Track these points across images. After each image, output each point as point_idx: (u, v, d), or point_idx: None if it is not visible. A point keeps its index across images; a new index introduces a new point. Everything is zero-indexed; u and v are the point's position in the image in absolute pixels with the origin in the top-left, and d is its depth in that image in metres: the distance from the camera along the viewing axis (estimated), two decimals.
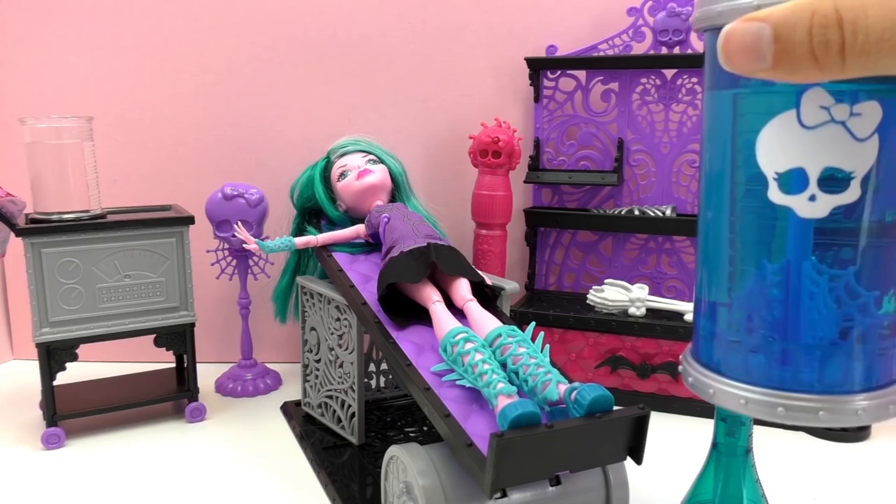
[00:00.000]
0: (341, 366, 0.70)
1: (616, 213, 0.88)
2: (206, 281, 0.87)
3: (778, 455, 0.70)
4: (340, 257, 0.72)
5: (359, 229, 0.73)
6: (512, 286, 0.66)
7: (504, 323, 0.57)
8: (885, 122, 0.31)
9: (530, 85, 0.92)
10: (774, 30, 0.27)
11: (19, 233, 0.68)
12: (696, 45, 0.85)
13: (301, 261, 0.79)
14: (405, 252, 0.62)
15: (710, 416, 0.45)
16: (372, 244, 0.74)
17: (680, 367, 0.41)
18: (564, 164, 0.93)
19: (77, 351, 0.72)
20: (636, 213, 0.87)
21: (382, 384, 0.82)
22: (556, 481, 0.50)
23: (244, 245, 0.74)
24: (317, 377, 0.75)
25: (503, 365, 0.51)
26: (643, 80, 0.88)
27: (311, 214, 0.79)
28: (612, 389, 0.62)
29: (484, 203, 0.88)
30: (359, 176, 0.74)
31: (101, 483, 0.65)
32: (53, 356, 0.71)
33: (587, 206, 0.93)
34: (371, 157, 0.76)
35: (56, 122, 0.71)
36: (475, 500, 0.48)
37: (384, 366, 0.82)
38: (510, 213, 0.90)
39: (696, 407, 0.79)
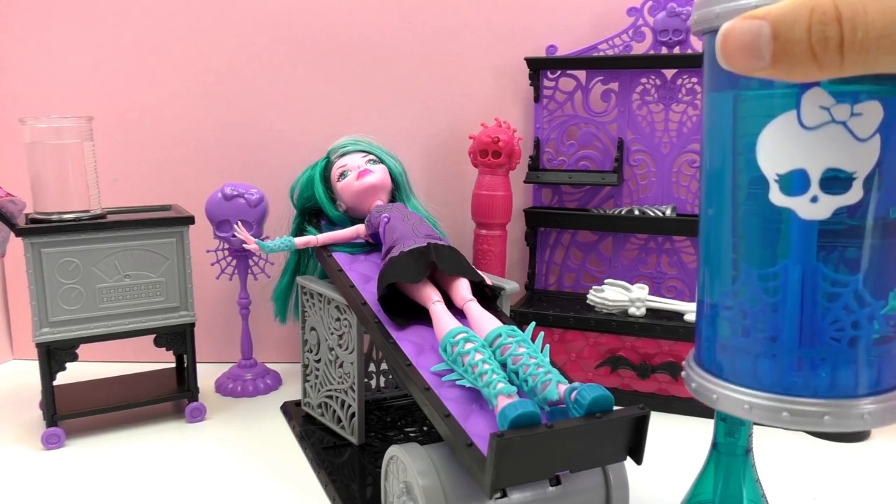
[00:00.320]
0: (341, 366, 0.70)
1: (616, 213, 0.88)
2: (206, 281, 0.87)
3: (778, 455, 0.70)
4: (340, 257, 0.72)
5: (359, 229, 0.73)
6: (512, 286, 0.66)
7: (504, 323, 0.57)
8: (887, 121, 0.30)
9: (530, 85, 0.92)
10: (773, 27, 0.27)
11: (19, 233, 0.68)
12: (696, 45, 0.85)
13: (301, 261, 0.79)
14: (405, 252, 0.62)
15: (710, 416, 0.45)
16: (372, 244, 0.74)
17: (683, 373, 0.40)
18: (564, 164, 0.93)
19: (77, 351, 0.72)
20: (636, 213, 0.87)
21: (382, 384, 0.82)
22: (556, 481, 0.50)
23: (244, 245, 0.74)
24: (317, 377, 0.75)
25: (503, 365, 0.51)
26: (643, 80, 0.88)
27: (311, 214, 0.79)
28: (612, 389, 0.62)
29: (484, 203, 0.88)
30: (359, 176, 0.74)
31: (101, 483, 0.65)
32: (53, 356, 0.71)
33: (587, 206, 0.93)
34: (371, 157, 0.76)
35: (56, 122, 0.71)
36: (475, 500, 0.48)
37: (384, 366, 0.82)
38: (510, 213, 0.90)
39: (696, 407, 0.79)
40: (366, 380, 0.80)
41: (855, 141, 0.30)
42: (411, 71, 0.93)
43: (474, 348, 0.51)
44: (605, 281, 0.85)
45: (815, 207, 0.31)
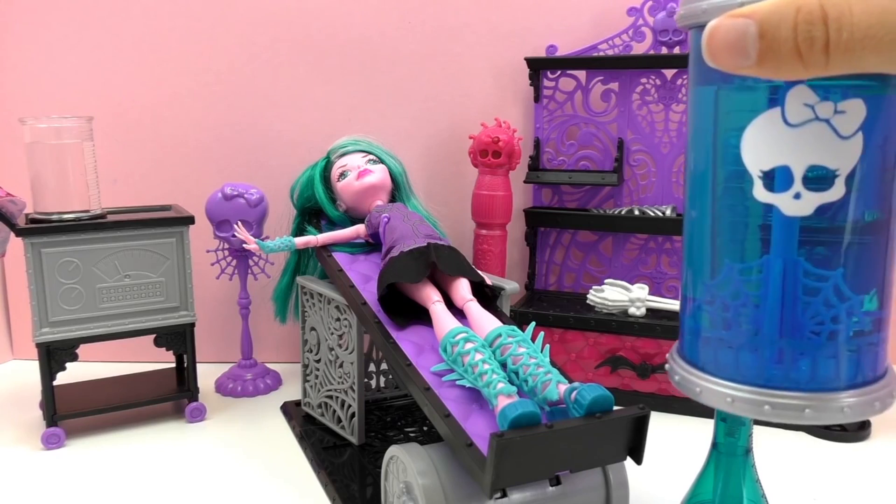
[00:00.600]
0: (341, 366, 0.70)
1: (616, 213, 0.88)
2: (206, 281, 0.87)
3: (778, 455, 0.70)
4: (340, 257, 0.72)
5: (359, 229, 0.73)
6: (512, 286, 0.66)
7: (504, 323, 0.57)
8: (869, 120, 0.31)
9: (530, 85, 0.92)
10: (759, 26, 0.27)
11: (19, 233, 0.68)
12: None
13: (301, 261, 0.79)
14: (405, 252, 0.62)
15: (710, 416, 0.45)
16: (372, 244, 0.74)
17: (667, 366, 0.41)
18: (564, 164, 0.93)
19: (77, 351, 0.72)
20: (636, 213, 0.87)
21: (382, 384, 0.82)
22: (556, 481, 0.50)
23: (244, 245, 0.74)
24: (317, 377, 0.75)
25: (503, 365, 0.51)
26: (643, 80, 0.88)
27: (311, 214, 0.79)
28: (612, 389, 0.62)
29: (484, 203, 0.88)
30: (359, 176, 0.74)
31: (101, 483, 0.65)
32: (53, 356, 0.71)
33: (587, 206, 0.93)
34: (371, 157, 0.76)
35: (56, 122, 0.71)
36: (475, 500, 0.48)
37: (384, 366, 0.82)
38: (510, 213, 0.90)
39: (696, 407, 0.78)
40: (366, 380, 0.80)
41: (838, 138, 0.31)
42: (411, 71, 0.93)
43: (474, 348, 0.51)
44: (605, 281, 0.85)
45: (797, 204, 0.32)
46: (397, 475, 0.52)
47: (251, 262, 0.87)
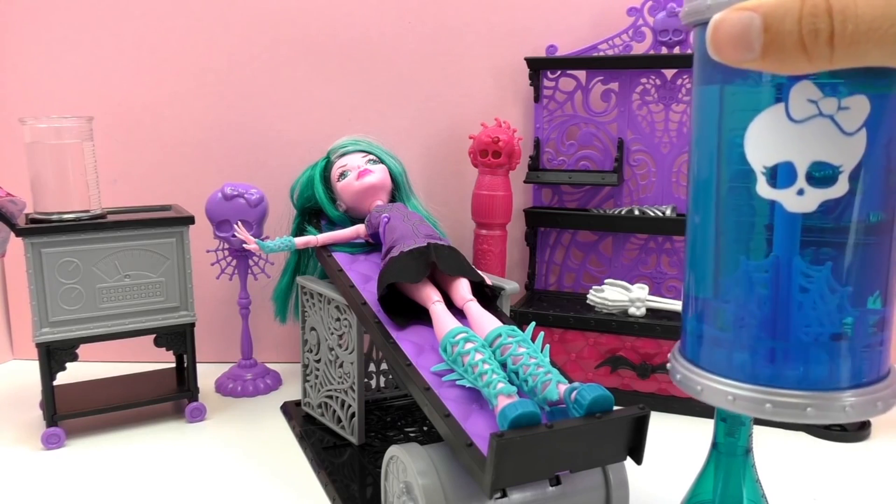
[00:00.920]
0: (341, 366, 0.70)
1: (616, 213, 0.88)
2: (206, 281, 0.87)
3: (778, 455, 0.70)
4: (340, 257, 0.72)
5: (359, 229, 0.73)
6: (512, 286, 0.66)
7: (504, 323, 0.57)
8: (873, 116, 0.31)
9: (530, 85, 0.92)
10: (764, 19, 0.27)
11: (19, 233, 0.68)
12: None
13: (301, 261, 0.79)
14: (405, 252, 0.62)
15: (710, 416, 0.45)
16: (372, 244, 0.74)
17: (668, 365, 0.41)
18: (564, 164, 0.93)
19: (77, 351, 0.72)
20: (636, 213, 0.87)
21: (382, 384, 0.82)
22: (556, 481, 0.50)
23: (244, 245, 0.74)
24: (317, 377, 0.75)
25: (503, 365, 0.51)
26: (643, 80, 0.88)
27: (311, 214, 0.79)
28: (612, 389, 0.62)
29: (484, 203, 0.88)
30: (359, 176, 0.74)
31: (101, 483, 0.65)
32: (53, 356, 0.71)
33: (587, 206, 0.93)
34: (371, 157, 0.76)
35: (56, 122, 0.71)
36: (475, 500, 0.48)
37: (384, 366, 0.82)
38: (510, 213, 0.90)
39: (696, 407, 0.79)
40: (366, 380, 0.80)
41: (842, 134, 0.31)
42: (411, 71, 0.93)
43: (474, 348, 0.51)
44: (605, 281, 0.85)
45: (801, 200, 0.32)
46: (397, 475, 0.52)
47: (251, 262, 0.87)
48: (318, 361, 0.74)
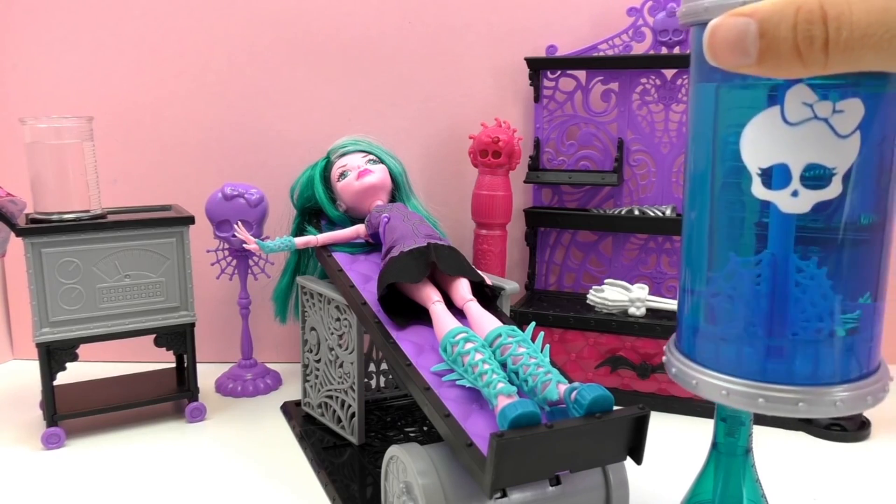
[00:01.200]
0: (341, 366, 0.70)
1: (616, 213, 0.88)
2: (206, 281, 0.87)
3: (778, 455, 0.70)
4: (340, 257, 0.72)
5: (359, 229, 0.73)
6: (512, 286, 0.66)
7: (504, 323, 0.57)
8: (867, 119, 0.31)
9: (530, 85, 0.92)
10: (760, 25, 0.27)
11: (19, 233, 0.68)
12: None
13: (301, 261, 0.79)
14: (405, 252, 0.62)
15: (710, 416, 0.45)
16: (372, 244, 0.74)
17: (664, 358, 0.41)
18: (564, 164, 0.93)
19: (77, 351, 0.72)
20: (636, 213, 0.87)
21: (382, 384, 0.82)
22: (556, 481, 0.50)
23: (244, 245, 0.74)
24: (317, 377, 0.75)
25: (503, 365, 0.51)
26: (643, 80, 0.88)
27: (311, 214, 0.79)
28: (612, 389, 0.62)
29: (484, 203, 0.88)
30: (359, 176, 0.74)
31: (101, 483, 0.65)
32: (53, 356, 0.71)
33: (587, 206, 0.93)
34: (371, 157, 0.76)
35: (56, 122, 0.71)
36: (475, 500, 0.48)
37: (384, 366, 0.82)
38: (510, 213, 0.90)
39: (696, 407, 0.79)
40: (366, 380, 0.80)
41: (836, 137, 0.31)
42: (411, 71, 0.93)
43: (474, 348, 0.51)
44: (605, 281, 0.85)
45: (795, 201, 0.32)
46: (397, 475, 0.52)
47: (251, 262, 0.87)
48: (318, 361, 0.74)
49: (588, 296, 0.85)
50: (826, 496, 0.63)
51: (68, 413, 0.73)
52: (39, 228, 0.69)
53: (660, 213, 0.86)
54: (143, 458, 0.69)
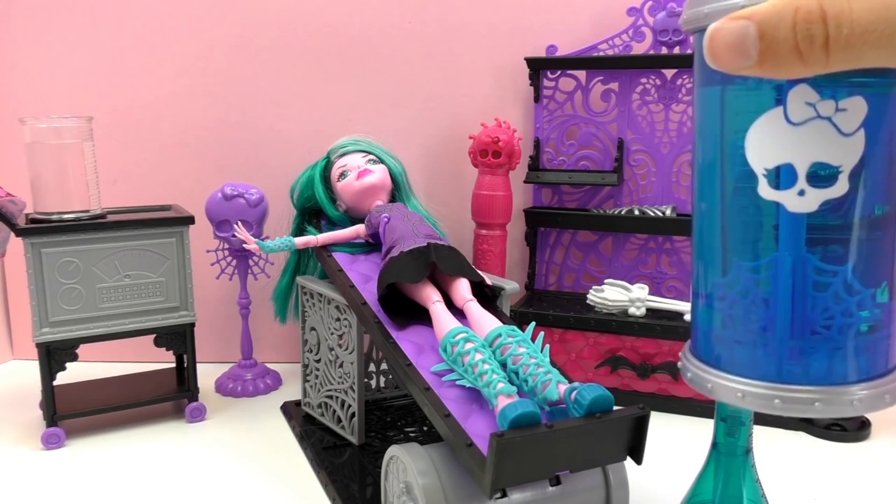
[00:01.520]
0: (341, 366, 0.70)
1: (616, 213, 0.88)
2: (206, 281, 0.87)
3: (778, 455, 0.70)
4: (340, 257, 0.72)
5: (359, 229, 0.73)
6: (512, 286, 0.66)
7: (504, 323, 0.57)
8: (871, 116, 0.31)
9: (530, 85, 0.92)
10: (759, 27, 0.27)
11: (19, 233, 0.68)
12: None
13: (301, 261, 0.79)
14: (405, 252, 0.62)
15: (710, 416, 0.45)
16: (372, 244, 0.74)
17: (679, 364, 0.41)
18: (564, 164, 0.93)
19: (77, 351, 0.72)
20: (636, 213, 0.87)
21: (382, 384, 0.82)
22: (556, 481, 0.50)
23: (244, 245, 0.74)
24: (317, 377, 0.75)
25: (503, 365, 0.51)
26: (643, 80, 0.88)
27: (311, 214, 0.79)
28: (612, 389, 0.62)
29: (484, 203, 0.88)
30: (359, 176, 0.74)
31: (101, 483, 0.65)
32: (53, 356, 0.71)
33: (587, 206, 0.93)
34: (371, 157, 0.76)
35: (56, 122, 0.71)
36: (475, 500, 0.48)
37: (384, 366, 0.82)
38: (510, 213, 0.90)
39: (696, 407, 0.79)
40: (366, 380, 0.80)
41: (840, 136, 0.31)
42: (411, 71, 0.93)
43: (474, 348, 0.51)
44: (605, 281, 0.85)
45: (802, 200, 0.32)
46: (397, 475, 0.52)
47: (251, 262, 0.87)
48: (318, 361, 0.74)
49: (588, 296, 0.85)
50: (826, 496, 0.63)
51: (68, 413, 0.73)
52: (39, 228, 0.69)
53: (660, 213, 0.86)
54: (143, 458, 0.69)
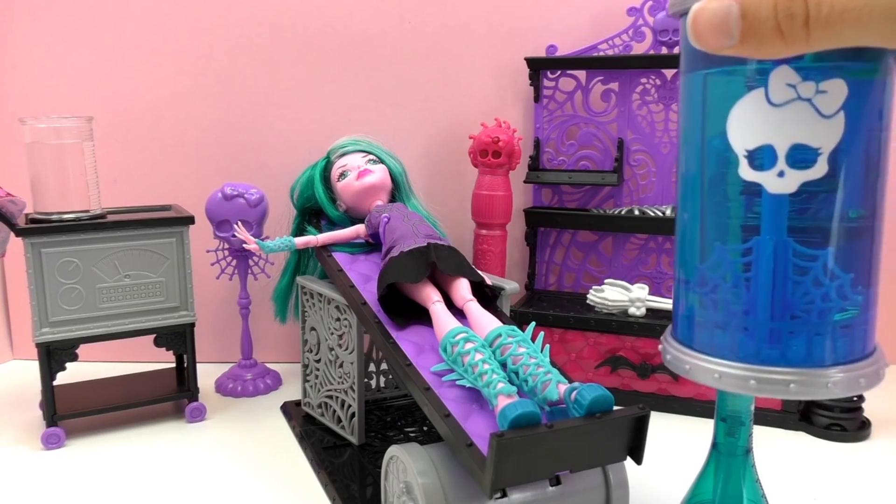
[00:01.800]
0: (341, 366, 0.70)
1: (616, 213, 0.88)
2: (206, 281, 0.87)
3: (778, 455, 0.70)
4: (340, 257, 0.72)
5: (359, 229, 0.73)
6: (512, 286, 0.66)
7: (504, 323, 0.57)
8: (851, 99, 0.31)
9: (530, 85, 0.92)
10: (741, 6, 0.28)
11: (19, 233, 0.68)
12: None
13: (301, 261, 0.79)
14: (405, 252, 0.62)
15: (710, 416, 0.45)
16: (372, 244, 0.74)
17: (660, 346, 0.41)
18: (564, 164, 0.93)
19: (77, 351, 0.72)
20: (636, 213, 0.87)
21: (382, 384, 0.82)
22: (556, 481, 0.50)
23: (244, 245, 0.74)
24: (317, 377, 0.75)
25: (503, 365, 0.51)
26: (643, 80, 0.88)
27: (311, 214, 0.79)
28: (612, 389, 0.62)
29: (484, 203, 0.88)
30: (359, 176, 0.74)
31: (101, 483, 0.65)
32: (53, 356, 0.71)
33: (587, 206, 0.93)
34: (371, 157, 0.76)
35: (56, 122, 0.71)
36: (475, 500, 0.48)
37: (384, 366, 0.82)
38: (510, 213, 0.90)
39: (696, 407, 0.79)
40: (366, 380, 0.80)
41: (820, 117, 0.32)
42: (411, 71, 0.93)
43: (474, 348, 0.51)
44: (605, 281, 0.85)
45: (782, 182, 0.33)
46: (397, 475, 0.52)
47: (251, 262, 0.87)
48: (318, 361, 0.74)
49: (588, 296, 0.85)
50: (826, 496, 0.63)
51: (68, 413, 0.73)
52: (39, 228, 0.69)
53: (660, 213, 0.86)
54: (143, 458, 0.69)
